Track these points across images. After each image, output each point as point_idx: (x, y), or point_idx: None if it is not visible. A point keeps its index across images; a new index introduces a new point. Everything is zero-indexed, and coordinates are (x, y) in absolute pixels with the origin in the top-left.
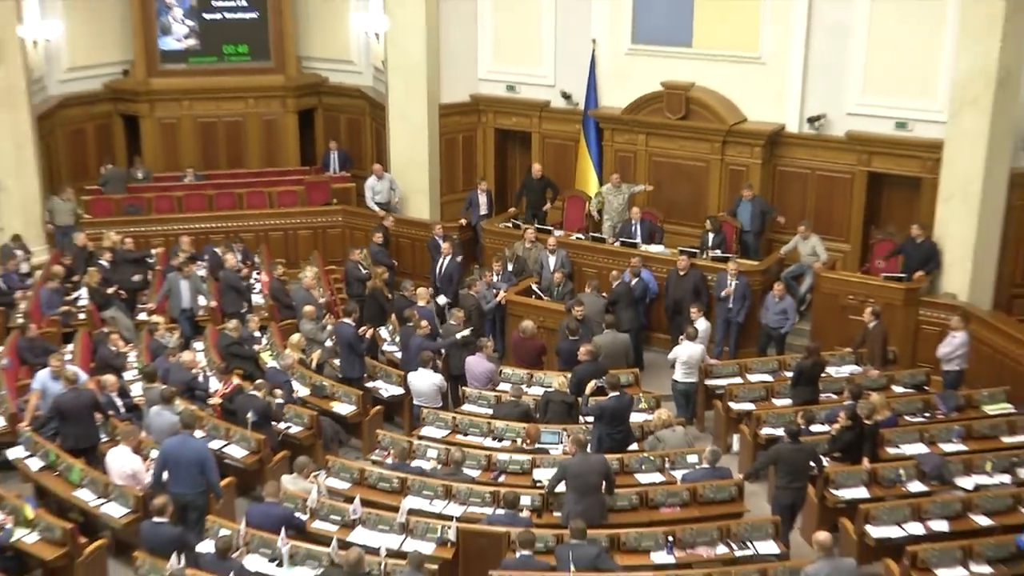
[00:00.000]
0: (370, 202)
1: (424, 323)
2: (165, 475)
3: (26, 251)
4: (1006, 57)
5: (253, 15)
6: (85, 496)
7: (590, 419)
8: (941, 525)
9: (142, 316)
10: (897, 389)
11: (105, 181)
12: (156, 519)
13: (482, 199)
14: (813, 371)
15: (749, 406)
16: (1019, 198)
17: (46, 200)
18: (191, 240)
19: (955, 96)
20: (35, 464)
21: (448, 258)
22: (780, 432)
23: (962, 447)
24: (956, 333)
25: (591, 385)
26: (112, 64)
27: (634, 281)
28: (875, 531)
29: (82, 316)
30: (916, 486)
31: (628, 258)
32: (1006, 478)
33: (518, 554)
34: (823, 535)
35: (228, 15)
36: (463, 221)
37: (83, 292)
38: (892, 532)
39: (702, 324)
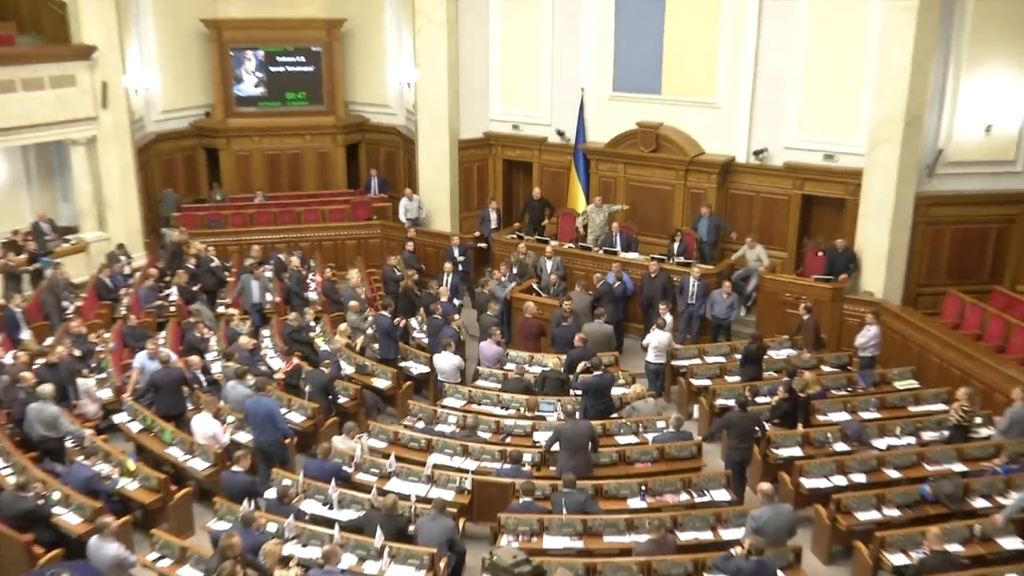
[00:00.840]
0: (403, 218)
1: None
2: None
3: (128, 256)
4: (912, 105)
5: (309, 68)
6: (175, 452)
7: (579, 392)
8: (860, 477)
9: (220, 309)
10: (825, 368)
11: (160, 200)
12: (234, 468)
13: (492, 215)
14: (757, 353)
15: (706, 382)
16: (922, 216)
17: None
18: (260, 248)
19: (872, 134)
20: (135, 427)
21: (450, 275)
22: (731, 403)
23: (877, 415)
24: (870, 327)
25: (581, 365)
26: (197, 107)
27: (616, 283)
28: (807, 482)
29: (172, 309)
30: (840, 446)
31: (609, 263)
32: (911, 440)
33: (521, 500)
34: (766, 485)
35: (290, 68)
36: (477, 233)
37: (173, 290)
38: (821, 483)
39: (669, 317)
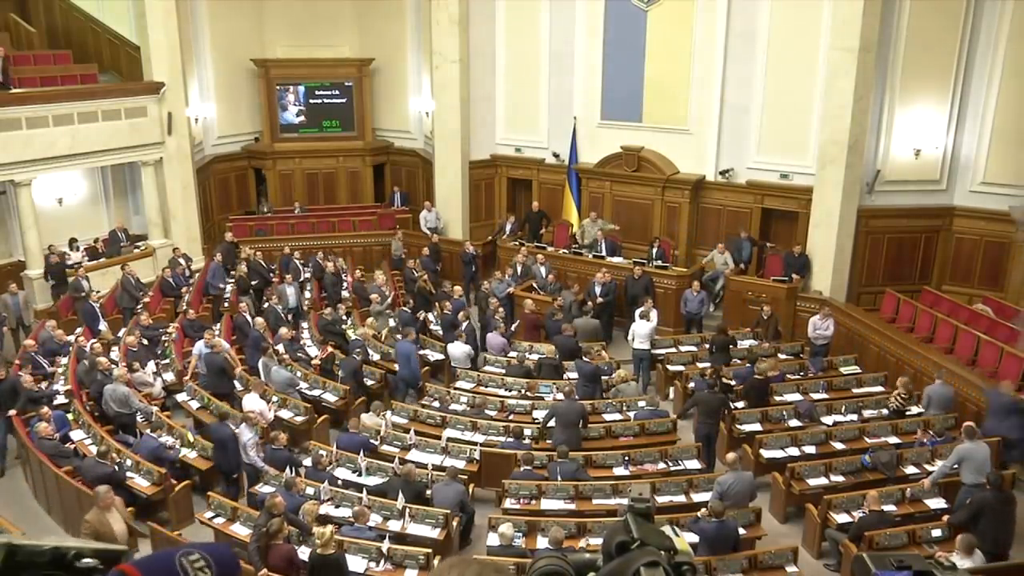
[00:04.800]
0: (423, 227)
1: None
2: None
3: (188, 259)
4: (854, 131)
5: (343, 100)
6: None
7: (572, 376)
8: (811, 449)
9: (265, 305)
10: (782, 356)
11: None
12: (273, 446)
13: (508, 226)
14: (725, 343)
15: (681, 367)
16: (863, 226)
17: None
18: (300, 252)
19: (820, 156)
20: (194, 404)
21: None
22: (700, 385)
23: (825, 396)
24: (819, 321)
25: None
26: (248, 134)
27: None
28: (766, 453)
29: (226, 304)
30: (794, 422)
31: (598, 267)
32: (854, 417)
33: (522, 468)
34: (731, 455)
35: (326, 100)
36: (489, 238)
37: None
38: (777, 454)
39: (654, 312)
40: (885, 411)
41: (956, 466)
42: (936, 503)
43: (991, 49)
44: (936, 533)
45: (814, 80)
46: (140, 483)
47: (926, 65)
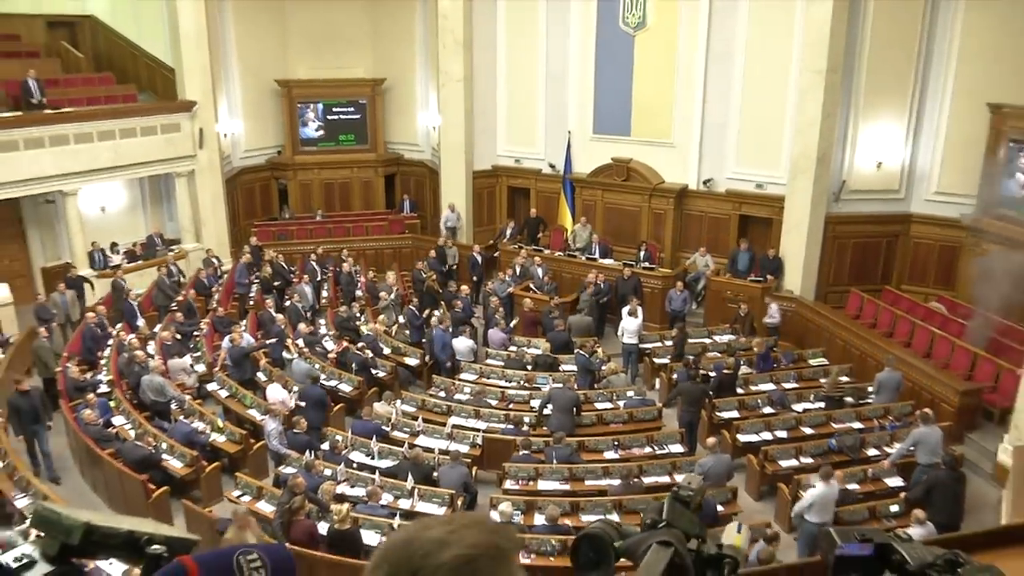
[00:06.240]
0: (443, 226)
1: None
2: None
3: (219, 261)
4: (822, 144)
5: (357, 116)
6: (253, 414)
7: (569, 368)
8: (782, 433)
9: (287, 303)
10: (755, 349)
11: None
12: (295, 430)
13: (508, 231)
14: (681, 339)
15: (666, 360)
16: (831, 231)
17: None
18: (317, 255)
19: (791, 168)
20: (223, 393)
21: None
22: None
23: (796, 385)
24: (772, 304)
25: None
26: (271, 147)
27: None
28: (742, 437)
29: (252, 302)
30: (768, 410)
31: (591, 268)
32: (822, 404)
33: (521, 452)
34: (711, 440)
35: (342, 116)
36: (491, 242)
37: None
38: (753, 438)
39: (640, 309)
40: (822, 404)
41: (912, 448)
42: (894, 482)
43: (943, 70)
44: (894, 509)
45: (786, 98)
46: (174, 464)
47: (886, 85)
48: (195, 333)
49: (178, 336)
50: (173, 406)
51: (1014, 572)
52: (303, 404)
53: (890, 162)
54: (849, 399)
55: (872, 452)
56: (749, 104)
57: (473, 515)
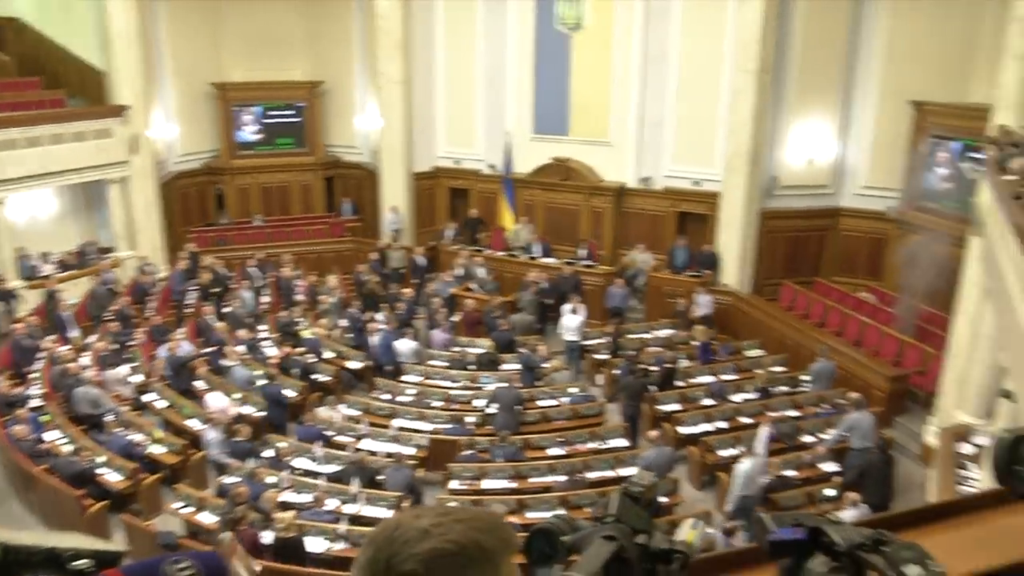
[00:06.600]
0: (388, 228)
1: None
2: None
3: (155, 268)
4: (755, 142)
5: (296, 119)
6: (193, 424)
7: (511, 367)
8: (722, 424)
9: (225, 309)
10: (695, 343)
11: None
12: (236, 438)
13: (449, 232)
14: (618, 336)
15: (606, 356)
16: (764, 226)
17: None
18: (256, 260)
19: (726, 165)
20: (161, 403)
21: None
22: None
23: (734, 376)
24: (703, 295)
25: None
26: (208, 151)
27: (542, 285)
28: (683, 429)
29: (189, 310)
30: (708, 401)
31: (532, 268)
32: (758, 395)
33: (466, 452)
34: (653, 433)
35: (280, 119)
36: (432, 243)
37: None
38: (693, 429)
39: (582, 306)
40: (756, 394)
41: (846, 433)
42: (829, 466)
43: (869, 69)
44: (829, 493)
45: (719, 98)
46: (112, 478)
47: (815, 84)
48: (131, 343)
49: (114, 346)
50: (109, 418)
51: (935, 546)
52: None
53: (820, 158)
54: (784, 388)
55: (808, 439)
56: (684, 103)
57: (473, 511)
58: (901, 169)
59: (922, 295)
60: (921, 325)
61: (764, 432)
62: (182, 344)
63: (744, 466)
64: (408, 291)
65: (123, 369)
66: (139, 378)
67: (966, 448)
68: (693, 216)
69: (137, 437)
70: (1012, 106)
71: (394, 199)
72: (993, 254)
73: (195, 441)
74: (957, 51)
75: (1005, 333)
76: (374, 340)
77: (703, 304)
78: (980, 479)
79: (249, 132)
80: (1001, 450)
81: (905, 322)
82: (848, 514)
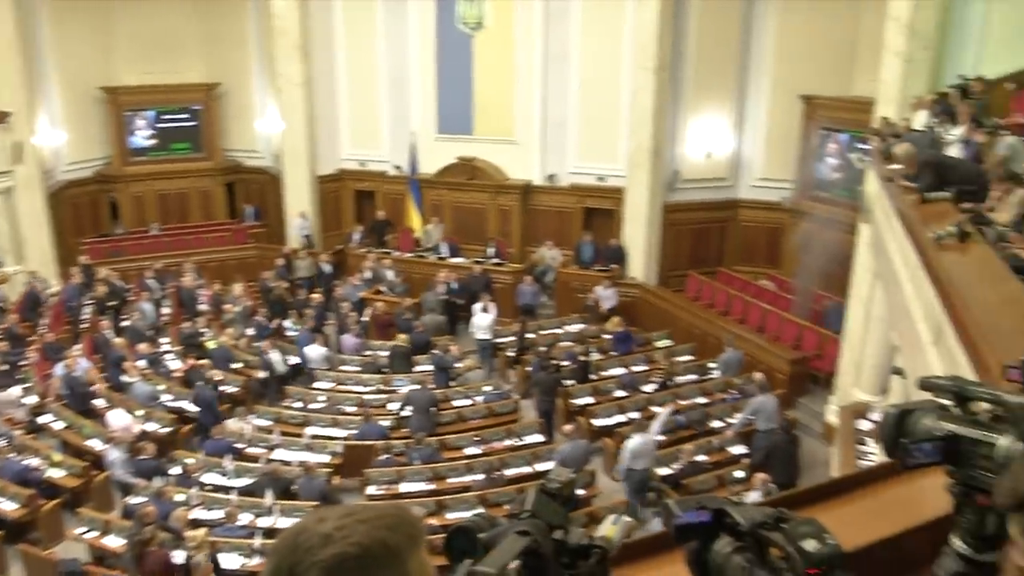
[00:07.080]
0: (298, 234)
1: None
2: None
3: (45, 283)
4: (656, 138)
5: (193, 123)
6: (94, 444)
7: (425, 368)
8: (635, 415)
9: (124, 323)
10: (606, 336)
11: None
12: (140, 456)
13: (356, 236)
14: (523, 333)
15: (513, 354)
16: (668, 219)
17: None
18: (155, 270)
19: (629, 161)
20: (59, 425)
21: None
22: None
23: (644, 367)
24: (607, 289)
25: None
26: (99, 158)
27: (452, 286)
28: (597, 422)
29: (85, 325)
30: (620, 393)
31: (441, 268)
32: (656, 387)
33: (382, 456)
34: (567, 427)
35: (175, 123)
36: (339, 247)
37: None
38: (606, 421)
39: (492, 305)
40: (656, 386)
41: (752, 416)
42: (738, 449)
43: (760, 67)
44: (739, 475)
45: (620, 95)
46: (6, 507)
47: (711, 81)
48: (22, 362)
49: (3, 367)
50: (1, 443)
51: (832, 520)
52: (199, 409)
53: (718, 152)
54: (693, 376)
55: (716, 424)
56: (586, 101)
57: (379, 508)
58: (794, 160)
59: (817, 280)
60: (817, 309)
61: (664, 412)
62: (80, 361)
63: (633, 442)
64: (317, 297)
65: (15, 391)
66: (33, 399)
67: (864, 425)
68: (599, 211)
69: (33, 461)
70: (892, 99)
71: (298, 203)
72: (881, 239)
73: (97, 462)
74: (842, 48)
75: (894, 313)
76: (274, 357)
77: (606, 297)
78: (878, 454)
79: (142, 137)
80: (888, 426)
81: (802, 307)
82: (756, 495)
